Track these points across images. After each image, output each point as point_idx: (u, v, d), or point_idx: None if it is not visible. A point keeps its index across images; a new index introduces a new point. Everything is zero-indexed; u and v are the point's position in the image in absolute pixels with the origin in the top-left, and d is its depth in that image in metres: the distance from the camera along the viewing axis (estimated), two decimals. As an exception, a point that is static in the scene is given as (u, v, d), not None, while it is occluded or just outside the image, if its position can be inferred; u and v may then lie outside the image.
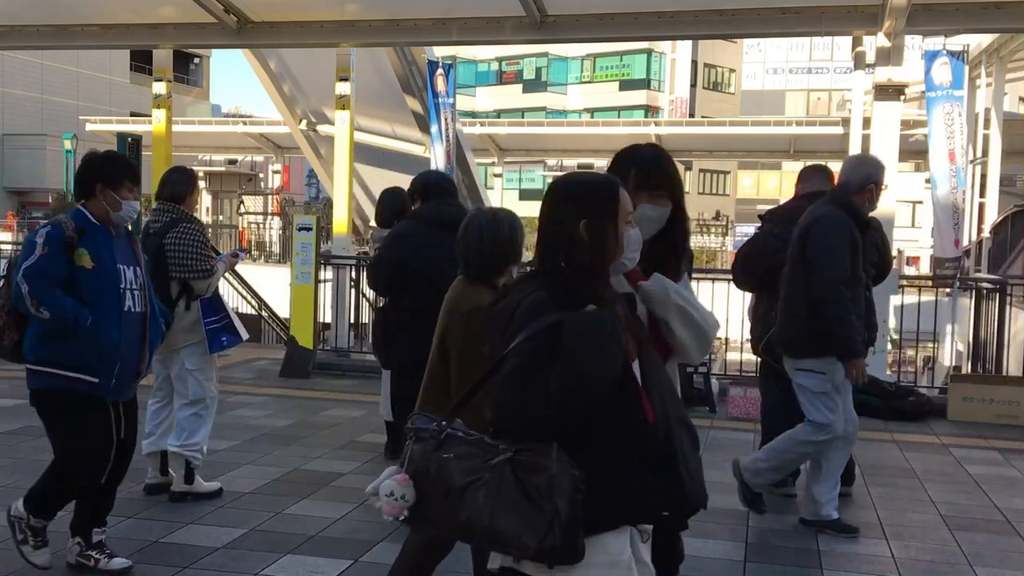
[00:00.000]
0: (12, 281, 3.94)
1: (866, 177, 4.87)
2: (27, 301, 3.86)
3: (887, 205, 8.43)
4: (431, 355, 3.46)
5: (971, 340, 9.38)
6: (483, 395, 3.35)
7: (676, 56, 49.66)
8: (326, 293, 10.38)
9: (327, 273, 10.46)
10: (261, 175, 31.73)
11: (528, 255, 3.64)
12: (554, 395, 2.07)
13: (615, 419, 2.17)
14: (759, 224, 5.78)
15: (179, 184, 5.26)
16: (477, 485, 2.08)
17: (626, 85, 50.26)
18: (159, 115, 11.10)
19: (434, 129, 12.87)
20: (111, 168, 4.12)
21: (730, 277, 6.25)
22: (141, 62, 45.36)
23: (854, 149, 11.53)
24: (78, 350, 3.92)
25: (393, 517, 2.16)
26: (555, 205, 2.31)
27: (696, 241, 25.41)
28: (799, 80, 50.29)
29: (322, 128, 17.01)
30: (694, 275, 5.42)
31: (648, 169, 2.72)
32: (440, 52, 14.62)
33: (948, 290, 10.07)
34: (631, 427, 2.18)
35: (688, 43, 47.30)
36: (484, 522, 2.06)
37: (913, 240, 27.88)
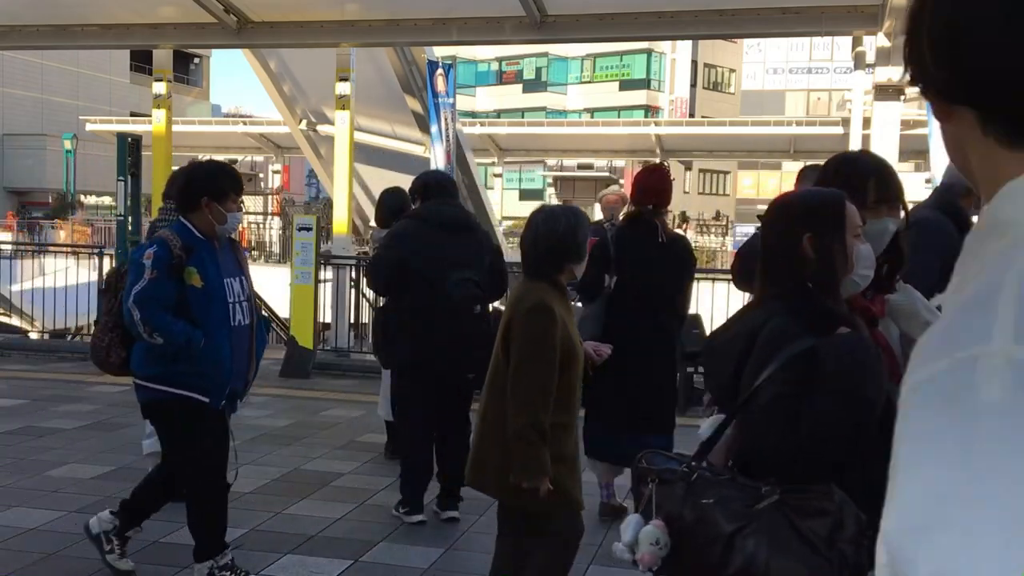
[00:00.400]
0: (123, 305, 3.89)
1: None
2: (139, 328, 3.82)
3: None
4: (494, 351, 3.39)
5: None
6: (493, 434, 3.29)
7: (676, 56, 49.63)
8: (326, 293, 10.39)
9: (327, 273, 10.46)
10: (261, 175, 31.72)
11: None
12: (823, 425, 1.92)
13: (864, 449, 1.98)
14: (758, 225, 5.76)
15: None
16: (746, 532, 1.92)
17: (626, 85, 50.23)
18: (159, 115, 11.10)
19: (434, 129, 12.88)
20: (216, 181, 4.03)
21: (730, 277, 6.25)
22: (141, 62, 45.36)
23: (854, 149, 11.53)
24: (189, 370, 3.87)
25: (648, 568, 2.01)
26: (777, 222, 2.20)
27: (695, 241, 25.42)
28: (799, 80, 50.28)
29: (322, 128, 17.01)
30: (695, 276, 5.43)
31: (888, 179, 2.48)
32: (440, 52, 14.61)
33: (948, 290, 10.06)
34: (882, 457, 2.01)
35: (688, 43, 47.28)
36: (759, 570, 1.90)
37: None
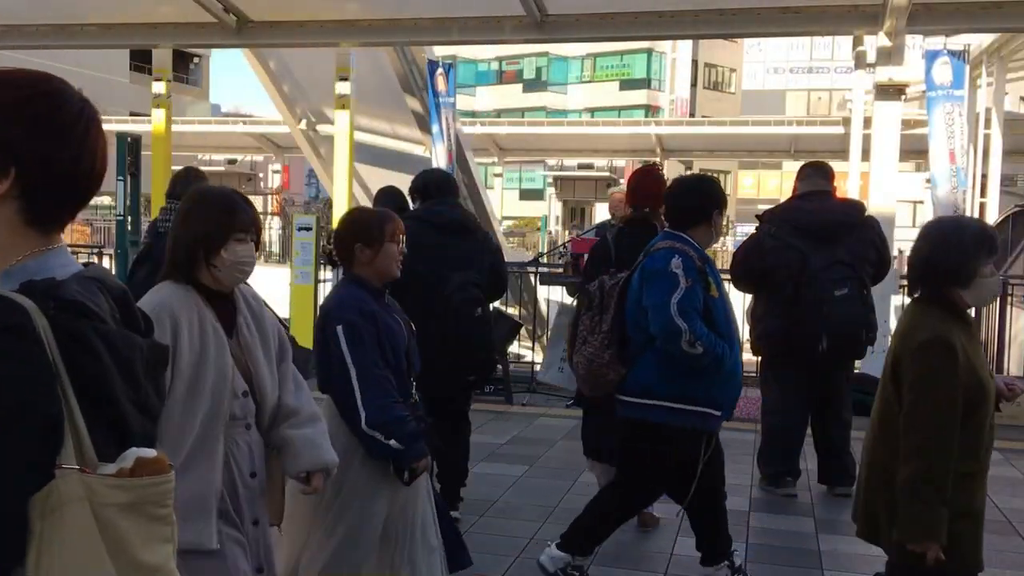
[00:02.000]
0: (658, 316, 3.75)
1: None
2: (684, 338, 3.68)
3: (887, 205, 8.42)
4: (881, 385, 2.96)
5: (971, 340, 9.36)
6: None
7: (676, 56, 49.59)
8: (326, 293, 10.37)
9: (327, 273, 10.46)
10: (261, 175, 31.71)
11: None
12: None
13: None
14: (757, 224, 5.76)
15: (193, 184, 5.27)
16: None
17: (626, 85, 50.22)
18: (159, 115, 11.11)
19: (435, 129, 12.87)
20: (720, 194, 4.03)
21: (729, 277, 6.24)
22: (141, 62, 45.34)
23: (855, 149, 11.53)
24: (708, 384, 3.80)
25: None
26: None
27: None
28: (799, 80, 50.22)
29: (322, 128, 17.00)
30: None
31: None
32: (440, 52, 14.62)
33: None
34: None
35: (688, 43, 47.27)
36: None
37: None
